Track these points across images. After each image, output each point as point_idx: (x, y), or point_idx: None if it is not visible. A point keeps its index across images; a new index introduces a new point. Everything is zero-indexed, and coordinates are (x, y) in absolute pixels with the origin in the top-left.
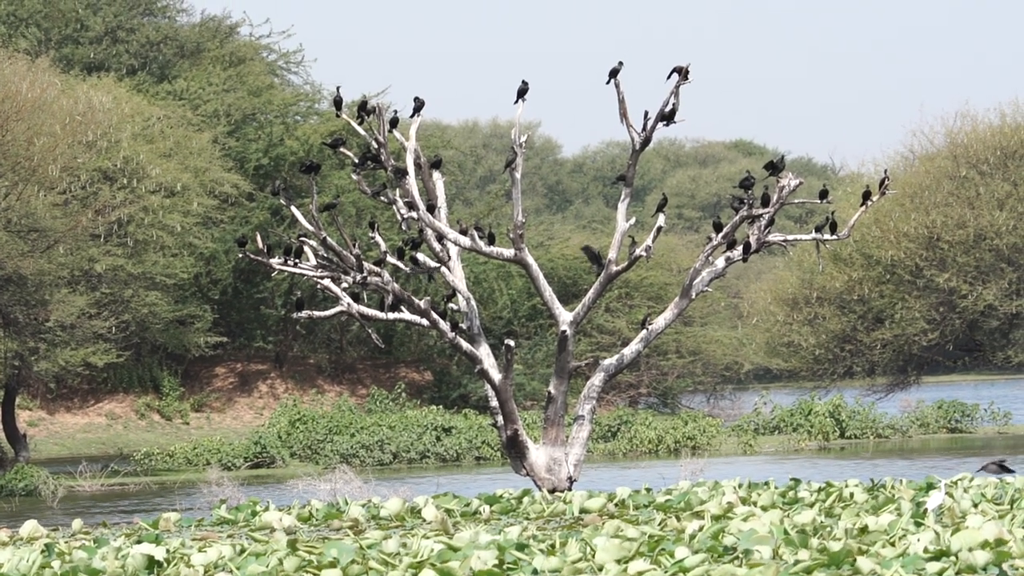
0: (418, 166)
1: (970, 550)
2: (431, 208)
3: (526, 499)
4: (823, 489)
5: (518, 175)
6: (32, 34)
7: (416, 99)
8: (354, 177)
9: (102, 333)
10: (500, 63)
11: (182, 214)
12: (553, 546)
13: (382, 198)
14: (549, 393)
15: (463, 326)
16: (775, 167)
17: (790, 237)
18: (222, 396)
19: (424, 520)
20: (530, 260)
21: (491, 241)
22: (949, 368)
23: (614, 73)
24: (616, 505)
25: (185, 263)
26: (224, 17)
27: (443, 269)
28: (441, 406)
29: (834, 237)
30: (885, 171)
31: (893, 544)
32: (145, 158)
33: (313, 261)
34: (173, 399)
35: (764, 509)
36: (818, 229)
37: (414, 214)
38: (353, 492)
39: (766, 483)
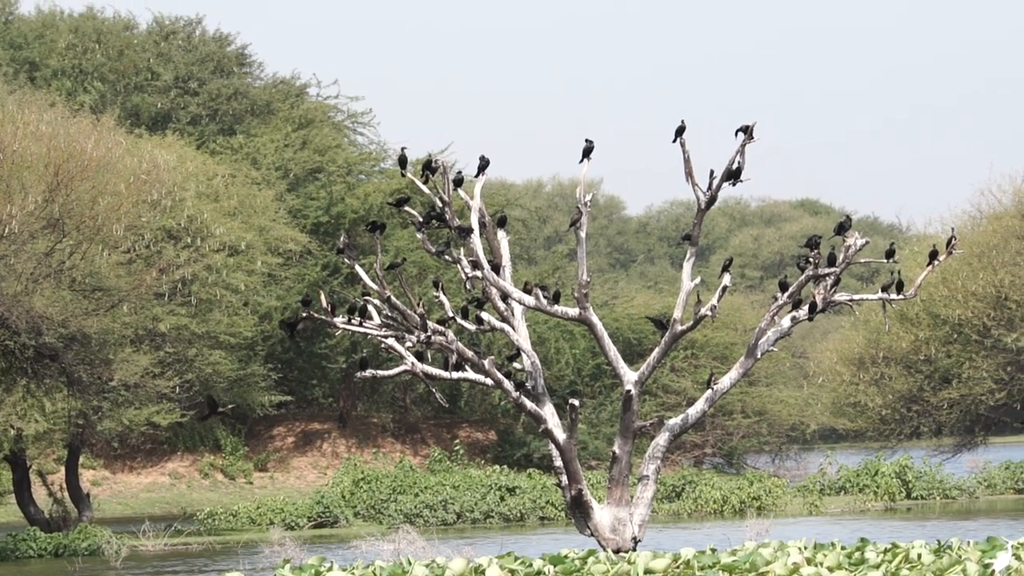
0: (483, 225)
1: None
2: (496, 267)
3: (591, 559)
4: (890, 550)
5: (583, 234)
6: (96, 88)
7: (481, 158)
8: (419, 236)
9: (166, 392)
10: (563, 122)
11: (246, 273)
12: None
13: (446, 257)
14: (614, 453)
15: (528, 385)
16: (843, 227)
17: (856, 297)
18: (285, 455)
19: None
20: (595, 319)
21: (556, 300)
22: (1017, 429)
23: (680, 132)
24: (681, 566)
25: (248, 322)
26: (294, 79)
27: (507, 328)
28: (505, 466)
29: (901, 297)
30: (952, 230)
31: None
32: (209, 217)
33: (377, 320)
34: (236, 458)
35: (830, 570)
36: (884, 289)
37: (478, 273)
38: (417, 552)
39: (832, 544)
